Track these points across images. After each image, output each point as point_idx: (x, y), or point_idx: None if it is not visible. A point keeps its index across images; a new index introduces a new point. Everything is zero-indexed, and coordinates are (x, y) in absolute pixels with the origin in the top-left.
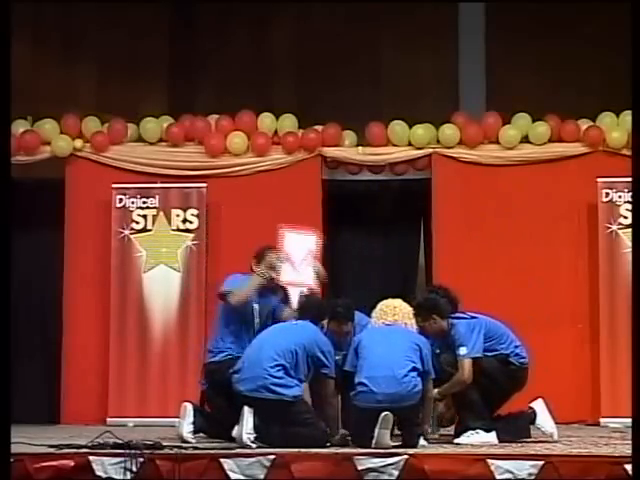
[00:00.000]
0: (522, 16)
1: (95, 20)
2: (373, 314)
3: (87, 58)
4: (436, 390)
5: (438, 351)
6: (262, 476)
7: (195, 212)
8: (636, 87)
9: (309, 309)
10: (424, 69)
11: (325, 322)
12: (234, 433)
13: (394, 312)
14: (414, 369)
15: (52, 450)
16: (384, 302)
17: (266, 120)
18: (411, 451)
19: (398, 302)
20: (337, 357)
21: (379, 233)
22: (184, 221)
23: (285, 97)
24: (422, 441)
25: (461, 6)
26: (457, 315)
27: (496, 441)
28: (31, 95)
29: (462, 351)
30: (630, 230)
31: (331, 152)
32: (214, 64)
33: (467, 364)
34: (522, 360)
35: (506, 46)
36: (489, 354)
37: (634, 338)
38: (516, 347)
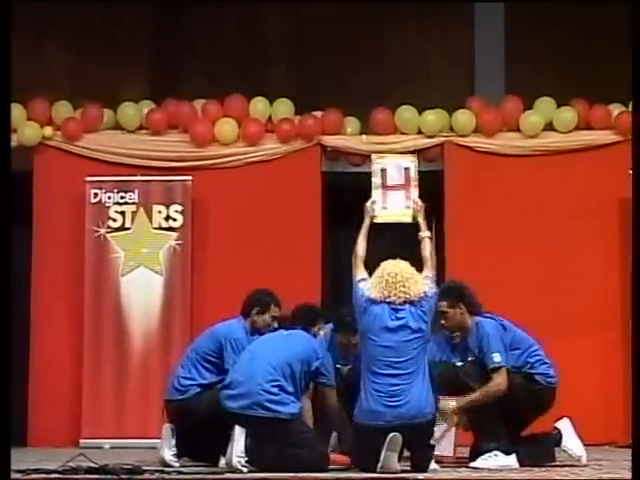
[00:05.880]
0: None
1: None
2: (371, 284)
3: (59, 36)
4: (454, 403)
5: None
6: None
7: (179, 208)
8: (636, 87)
9: (299, 317)
10: (435, 48)
11: (317, 328)
12: (222, 462)
13: (400, 281)
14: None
15: (19, 476)
16: (383, 267)
17: (259, 105)
18: (421, 476)
19: (400, 267)
20: (342, 369)
21: (385, 231)
22: (167, 218)
23: (280, 80)
24: (433, 464)
25: None
26: (485, 315)
27: (517, 465)
28: None
29: (496, 358)
30: None
31: (331, 141)
32: (201, 43)
33: (504, 373)
34: (550, 379)
35: (528, 21)
36: (513, 369)
37: (634, 341)
38: (543, 364)
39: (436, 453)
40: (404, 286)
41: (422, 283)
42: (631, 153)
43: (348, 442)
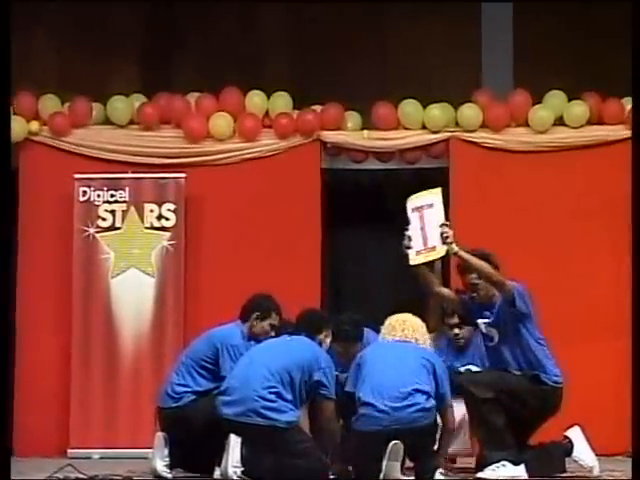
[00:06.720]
0: None
1: None
2: (381, 330)
3: (46, 27)
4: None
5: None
6: None
7: (172, 207)
8: (636, 86)
9: (304, 322)
10: (440, 38)
11: (323, 336)
12: (217, 472)
13: (403, 327)
14: (424, 389)
15: None
16: (393, 317)
17: (255, 99)
18: None
19: (407, 316)
20: (341, 376)
21: (387, 231)
22: (159, 217)
23: (278, 73)
24: (439, 475)
25: None
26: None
27: (525, 475)
28: None
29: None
30: None
31: (332, 137)
32: (195, 34)
33: (512, 288)
34: (556, 378)
35: (537, 10)
36: (521, 368)
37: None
38: (548, 360)
39: (455, 447)
40: (412, 329)
41: (429, 339)
42: (631, 153)
43: (340, 457)
